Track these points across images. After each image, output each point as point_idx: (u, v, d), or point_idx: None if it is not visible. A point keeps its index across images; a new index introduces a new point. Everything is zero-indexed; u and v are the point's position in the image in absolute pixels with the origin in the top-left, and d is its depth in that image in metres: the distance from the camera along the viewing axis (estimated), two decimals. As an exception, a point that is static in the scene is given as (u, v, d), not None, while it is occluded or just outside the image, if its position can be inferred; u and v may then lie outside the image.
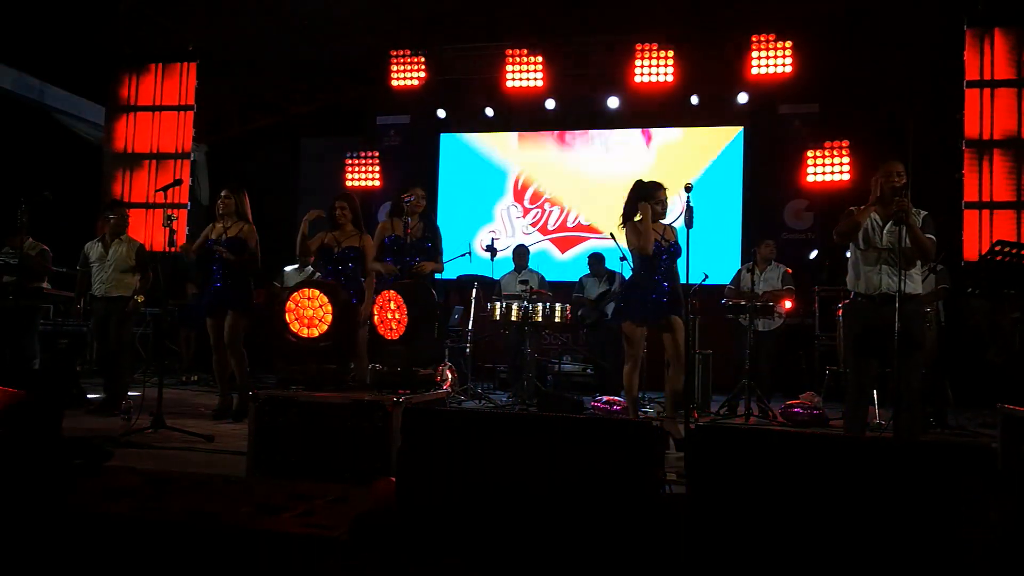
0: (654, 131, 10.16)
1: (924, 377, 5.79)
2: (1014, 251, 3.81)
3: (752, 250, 7.35)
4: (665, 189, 5.09)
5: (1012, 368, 5.42)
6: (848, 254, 4.45)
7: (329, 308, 4.00)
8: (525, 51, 9.22)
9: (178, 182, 5.89)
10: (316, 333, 3.99)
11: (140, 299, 6.02)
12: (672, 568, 2.26)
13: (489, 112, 10.10)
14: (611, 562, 2.31)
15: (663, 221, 5.14)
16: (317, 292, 4.04)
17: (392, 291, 4.06)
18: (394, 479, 2.63)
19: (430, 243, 5.39)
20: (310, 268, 8.64)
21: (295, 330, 4.03)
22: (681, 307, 4.93)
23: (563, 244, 10.34)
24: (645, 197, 5.00)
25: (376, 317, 4.11)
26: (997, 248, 3.88)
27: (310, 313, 4.02)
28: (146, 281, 6.07)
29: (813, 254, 8.94)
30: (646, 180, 5.14)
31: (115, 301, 5.94)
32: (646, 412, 6.75)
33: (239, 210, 5.65)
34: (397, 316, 4.00)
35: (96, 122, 9.59)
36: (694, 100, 9.42)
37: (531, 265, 8.22)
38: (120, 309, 5.94)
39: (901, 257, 4.06)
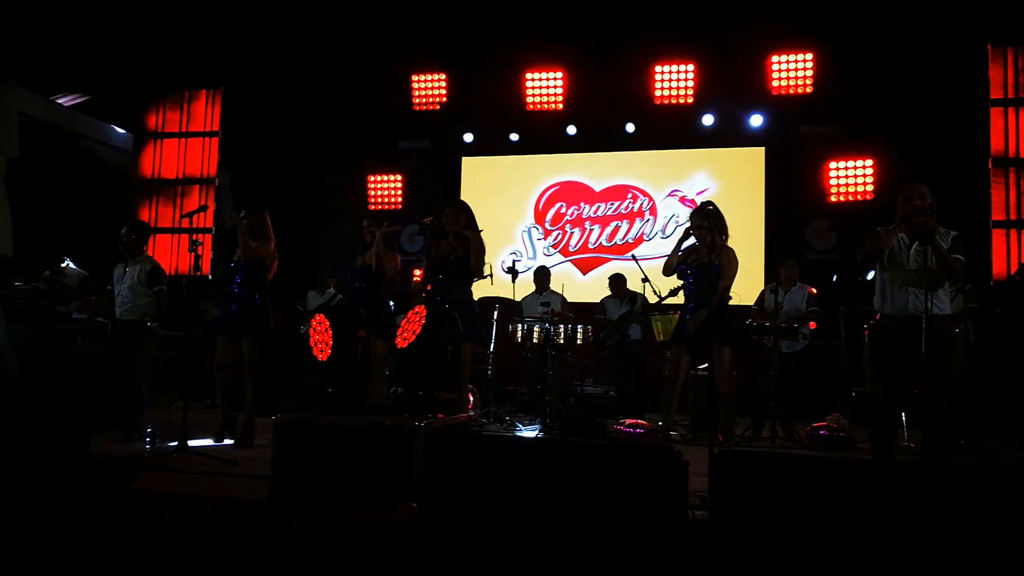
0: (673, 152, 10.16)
1: (954, 398, 5.70)
2: (1044, 271, 3.74)
3: (775, 271, 7.29)
4: (701, 214, 5.22)
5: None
6: (871, 276, 4.41)
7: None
8: (545, 72, 9.29)
9: (203, 208, 5.95)
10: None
11: (155, 325, 5.93)
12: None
13: (512, 136, 10.17)
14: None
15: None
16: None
17: (422, 307, 4.19)
18: (415, 504, 2.62)
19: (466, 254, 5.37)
20: (331, 291, 8.71)
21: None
22: (714, 331, 4.95)
23: (584, 265, 10.32)
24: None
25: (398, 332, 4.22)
26: (1025, 268, 3.81)
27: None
28: (158, 304, 5.87)
29: (834, 278, 8.84)
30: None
31: (130, 325, 5.84)
32: (671, 435, 6.67)
33: (258, 230, 5.65)
34: (415, 327, 4.10)
35: (124, 148, 9.77)
36: (707, 120, 9.41)
37: (552, 286, 8.21)
38: (135, 334, 5.82)
39: (927, 278, 4.00)
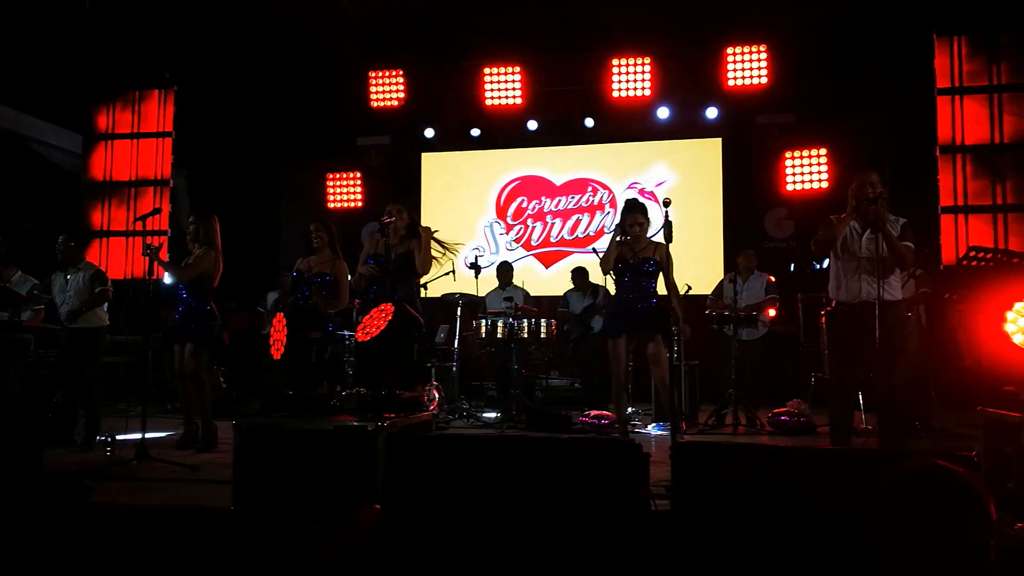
0: (631, 144, 10.24)
1: (908, 381, 5.85)
2: (988, 256, 3.86)
3: (734, 260, 7.40)
4: (638, 211, 5.20)
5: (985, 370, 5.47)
6: (825, 264, 4.50)
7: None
8: (503, 68, 9.28)
9: (157, 211, 5.84)
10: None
11: (104, 326, 5.90)
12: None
13: (473, 132, 10.14)
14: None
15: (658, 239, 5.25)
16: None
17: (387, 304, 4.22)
18: (379, 506, 2.61)
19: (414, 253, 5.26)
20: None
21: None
22: (653, 327, 5.04)
23: (547, 259, 10.36)
24: (621, 217, 5.23)
25: (362, 328, 4.21)
26: (972, 254, 3.93)
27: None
28: (102, 299, 5.87)
29: (791, 267, 9.01)
30: (628, 200, 5.37)
31: (80, 332, 5.81)
32: (634, 424, 6.75)
33: (203, 236, 5.58)
34: (378, 322, 4.11)
35: (73, 150, 9.53)
36: (663, 114, 9.51)
37: (515, 281, 8.23)
38: (86, 340, 5.82)
39: (880, 265, 4.10)
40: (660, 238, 4.58)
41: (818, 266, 7.58)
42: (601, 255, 5.30)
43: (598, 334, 7.98)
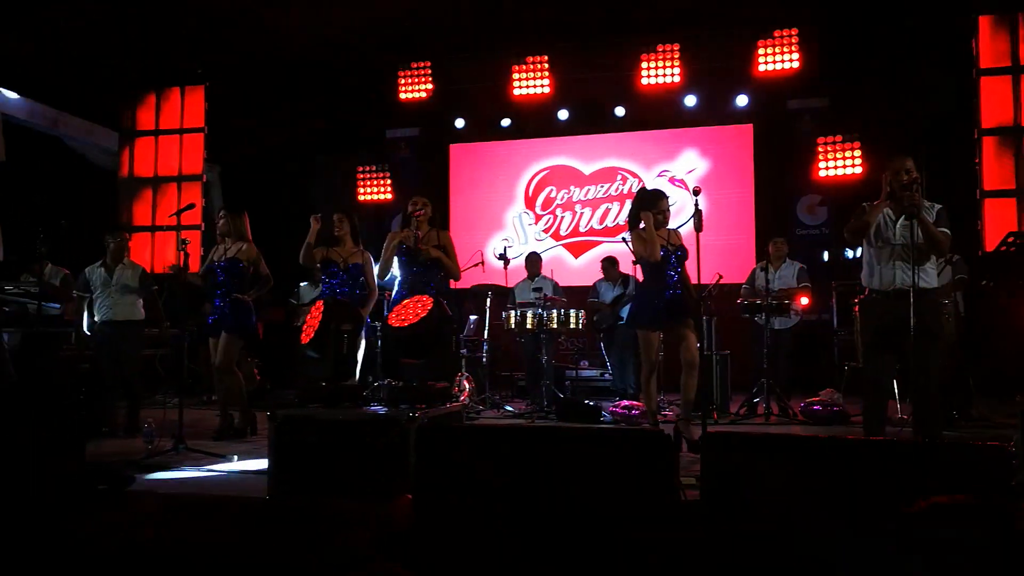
0: (660, 133, 10.15)
1: (945, 369, 5.74)
2: (1028, 242, 3.77)
3: (765, 248, 7.31)
4: (667, 198, 5.20)
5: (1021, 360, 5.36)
6: (860, 251, 4.43)
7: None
8: (531, 58, 9.25)
9: (191, 206, 5.90)
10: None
11: (167, 325, 6.11)
12: (692, 573, 2.26)
13: (502, 121, 10.13)
14: (632, 572, 2.31)
15: (670, 227, 5.25)
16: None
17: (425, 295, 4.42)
18: (411, 496, 2.64)
19: (447, 249, 5.25)
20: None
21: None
22: (692, 313, 4.99)
23: (576, 249, 10.33)
24: (647, 206, 5.13)
25: (392, 316, 4.30)
26: (1010, 240, 3.84)
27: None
28: (155, 305, 6.17)
29: (825, 257, 8.88)
30: (648, 188, 5.30)
31: (122, 325, 6.00)
32: (664, 416, 6.72)
33: (237, 231, 5.68)
34: (415, 310, 4.20)
35: (109, 148, 9.72)
36: (690, 101, 9.40)
37: (544, 271, 8.23)
38: (129, 333, 6.01)
39: (915, 252, 4.03)
40: (691, 227, 4.55)
41: (851, 254, 7.46)
42: (632, 244, 5.25)
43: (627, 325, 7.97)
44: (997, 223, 7.03)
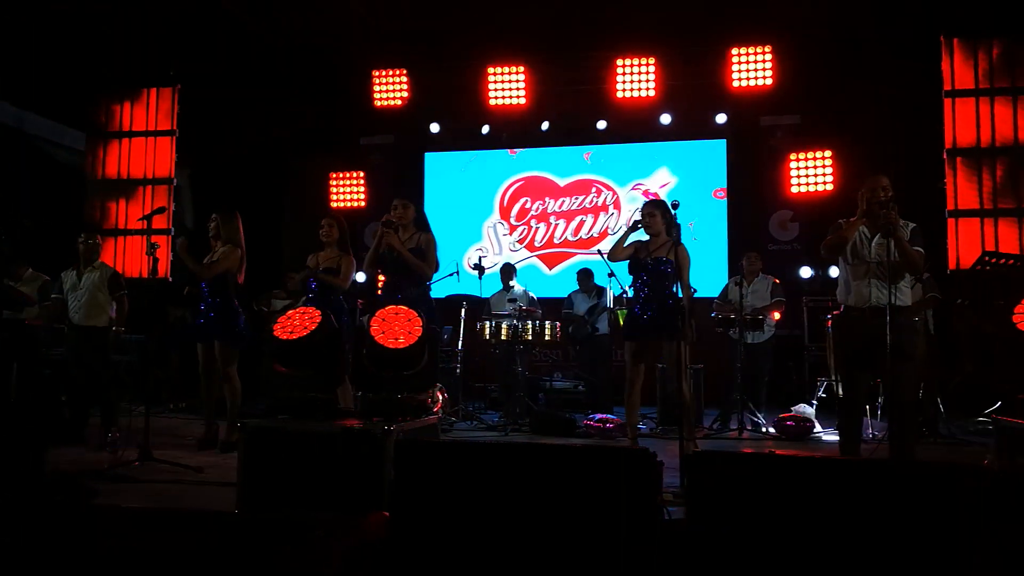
0: (637, 146, 10.20)
1: (915, 387, 5.81)
2: (1001, 262, 3.82)
3: (738, 263, 7.35)
4: (653, 205, 5.11)
5: (989, 378, 5.44)
6: (836, 269, 4.45)
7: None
8: (507, 68, 9.24)
9: (161, 209, 5.81)
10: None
11: (121, 331, 5.92)
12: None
13: (480, 130, 10.08)
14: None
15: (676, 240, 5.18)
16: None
17: (400, 306, 4.30)
18: (387, 513, 2.58)
19: (420, 252, 5.17)
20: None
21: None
22: (671, 328, 4.82)
23: (550, 260, 10.32)
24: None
25: (375, 327, 4.19)
26: (985, 259, 3.89)
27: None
28: (122, 309, 5.96)
29: (806, 273, 8.96)
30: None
31: (90, 331, 5.82)
32: (640, 430, 6.70)
33: (228, 233, 5.54)
34: (408, 327, 4.14)
35: (77, 148, 9.50)
36: (666, 119, 9.47)
37: (519, 281, 8.20)
38: (96, 338, 5.83)
39: (890, 270, 4.06)
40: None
41: (834, 272, 7.53)
42: (606, 255, 5.24)
43: (602, 336, 7.96)
44: (964, 242, 7.14)
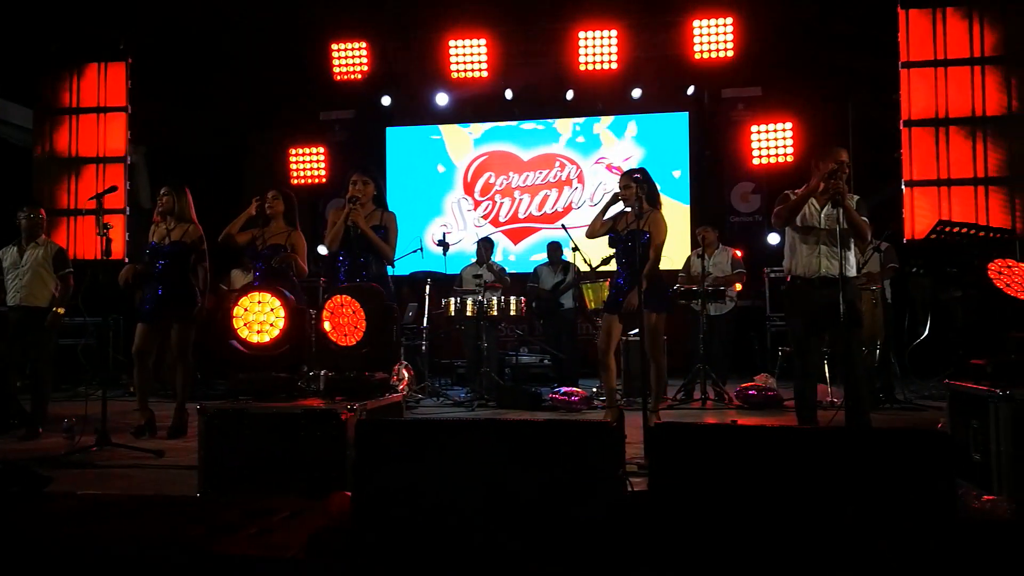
0: (599, 119, 10.17)
1: (872, 354, 5.93)
2: (956, 231, 3.89)
3: (697, 236, 7.40)
4: (628, 175, 4.96)
5: (949, 343, 5.58)
6: (784, 237, 4.50)
7: (281, 312, 3.88)
8: (469, 40, 9.11)
9: (112, 188, 5.58)
10: (268, 339, 3.88)
11: (60, 311, 5.62)
12: (639, 564, 2.25)
13: (438, 102, 9.94)
14: (578, 564, 2.28)
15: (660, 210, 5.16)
16: (268, 296, 3.92)
17: (345, 295, 3.94)
18: (349, 493, 2.56)
19: (383, 230, 4.93)
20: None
21: (244, 336, 3.90)
22: (646, 302, 4.79)
23: (515, 235, 10.30)
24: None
25: (327, 324, 3.98)
26: (939, 228, 3.96)
27: (261, 318, 3.90)
28: (66, 289, 5.59)
29: (774, 239, 9.03)
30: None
31: (32, 312, 5.48)
32: (603, 400, 6.76)
33: (180, 210, 5.35)
34: (354, 321, 3.90)
35: (24, 126, 9.19)
36: (636, 93, 9.46)
37: (494, 259, 8.10)
38: (38, 320, 5.49)
39: (841, 239, 4.13)
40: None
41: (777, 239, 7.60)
42: (570, 231, 5.23)
43: (567, 310, 7.97)
44: (920, 212, 7.26)
